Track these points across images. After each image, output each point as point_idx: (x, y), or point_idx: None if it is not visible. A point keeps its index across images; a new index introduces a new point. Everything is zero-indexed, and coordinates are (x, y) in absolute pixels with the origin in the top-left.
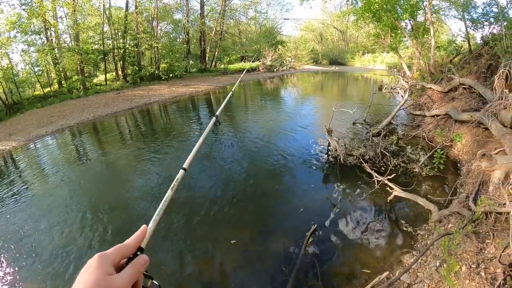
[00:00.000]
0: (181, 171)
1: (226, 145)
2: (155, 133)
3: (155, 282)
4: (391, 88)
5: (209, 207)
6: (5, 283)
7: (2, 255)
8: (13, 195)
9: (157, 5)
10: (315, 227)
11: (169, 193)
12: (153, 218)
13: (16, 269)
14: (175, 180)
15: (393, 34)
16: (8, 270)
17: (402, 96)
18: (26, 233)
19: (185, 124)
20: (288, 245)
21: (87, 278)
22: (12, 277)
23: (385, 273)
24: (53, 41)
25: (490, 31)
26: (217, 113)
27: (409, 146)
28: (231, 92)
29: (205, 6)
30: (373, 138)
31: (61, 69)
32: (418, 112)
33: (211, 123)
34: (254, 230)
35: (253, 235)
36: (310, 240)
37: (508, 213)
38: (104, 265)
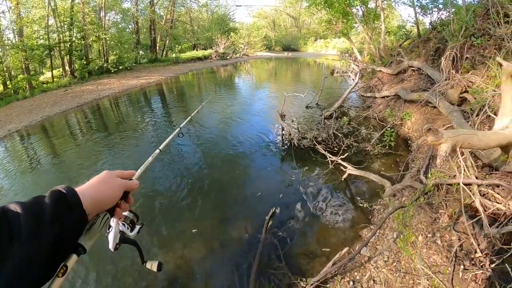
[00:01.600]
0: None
1: (180, 137)
2: (107, 130)
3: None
4: (343, 72)
5: (168, 200)
6: None
7: None
8: None
9: None
10: (273, 210)
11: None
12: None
13: None
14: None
15: (344, 20)
16: None
17: (353, 79)
18: None
19: (138, 118)
20: (249, 230)
21: (98, 176)
22: None
23: (345, 249)
24: None
25: (438, 16)
26: (181, 125)
27: (361, 127)
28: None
29: None
30: (325, 120)
31: (5, 68)
32: (368, 94)
33: (174, 132)
34: (215, 218)
35: (214, 224)
36: (270, 224)
37: (458, 184)
38: (111, 173)
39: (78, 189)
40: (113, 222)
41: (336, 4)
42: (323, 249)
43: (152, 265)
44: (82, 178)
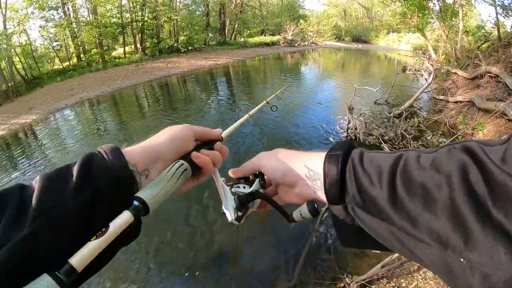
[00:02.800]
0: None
1: (274, 110)
2: (173, 106)
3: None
4: (415, 70)
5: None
6: None
7: None
8: (33, 167)
9: None
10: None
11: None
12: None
13: None
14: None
15: (420, 14)
16: None
17: (426, 79)
18: None
19: (203, 97)
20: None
21: (175, 126)
22: None
23: (397, 254)
24: (71, 16)
25: None
26: (269, 99)
27: (429, 130)
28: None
29: None
30: (394, 119)
31: (79, 43)
32: (441, 97)
33: (264, 102)
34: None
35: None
36: (325, 215)
37: None
38: (189, 126)
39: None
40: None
41: None
42: (374, 251)
43: (302, 213)
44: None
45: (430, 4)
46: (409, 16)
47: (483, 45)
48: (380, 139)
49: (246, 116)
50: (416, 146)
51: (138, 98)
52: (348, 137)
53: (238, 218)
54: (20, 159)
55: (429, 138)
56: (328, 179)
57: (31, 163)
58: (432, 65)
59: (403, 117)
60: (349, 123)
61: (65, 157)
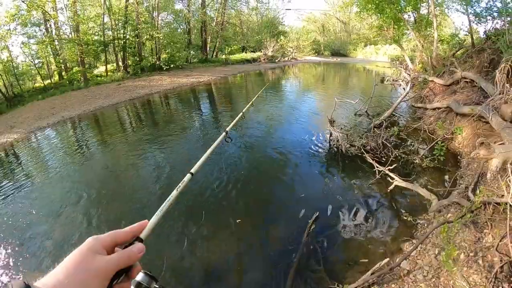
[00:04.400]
0: (188, 175)
1: (228, 142)
2: (156, 125)
3: (156, 286)
4: (393, 80)
5: (212, 194)
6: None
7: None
8: (14, 186)
9: None
10: (317, 214)
11: (174, 193)
12: (156, 213)
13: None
14: (181, 182)
15: (396, 26)
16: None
17: (404, 88)
18: (25, 222)
19: (186, 116)
20: (290, 231)
21: (74, 254)
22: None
23: (385, 260)
24: (53, 33)
25: (493, 25)
26: (227, 129)
27: (410, 138)
28: (241, 113)
29: None
30: (375, 129)
31: (61, 60)
32: (419, 105)
33: (220, 137)
34: (257, 216)
35: (256, 221)
36: (312, 227)
37: (506, 203)
38: (93, 246)
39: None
40: None
41: (388, 10)
42: (362, 259)
43: None
44: (126, 168)
45: (405, 16)
46: (386, 29)
47: (458, 52)
48: (362, 150)
49: (188, 176)
50: (397, 154)
51: (120, 117)
52: (331, 149)
53: None
54: None
55: (411, 145)
56: None
57: (10, 183)
58: (409, 75)
59: (383, 126)
60: (331, 135)
61: (46, 176)
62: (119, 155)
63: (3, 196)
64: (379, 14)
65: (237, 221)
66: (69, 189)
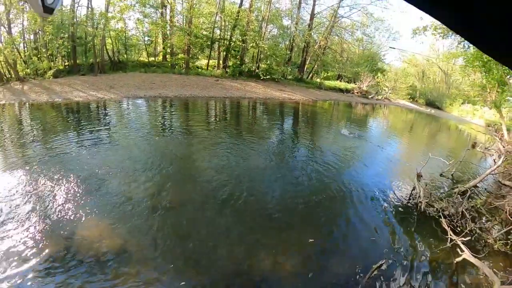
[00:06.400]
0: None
1: (299, 160)
2: (238, 126)
3: None
4: (485, 148)
5: (280, 218)
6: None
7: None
8: (96, 140)
9: (270, 8)
10: (382, 262)
11: None
12: None
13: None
14: None
15: (499, 90)
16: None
17: (494, 160)
18: (100, 173)
19: (267, 127)
20: (352, 268)
21: None
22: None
23: None
24: (168, 18)
25: None
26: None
27: (488, 215)
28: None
29: (314, 19)
30: (458, 196)
31: (169, 44)
32: (507, 183)
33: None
34: (328, 241)
35: (327, 246)
36: (374, 273)
37: None
38: None
39: None
40: None
41: (495, 71)
42: None
43: None
44: (197, 157)
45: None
46: (488, 90)
47: None
48: (440, 213)
49: None
50: (473, 228)
51: (209, 109)
52: (409, 202)
53: (48, 10)
54: (85, 126)
55: (485, 222)
56: None
57: (92, 133)
58: (504, 147)
59: (467, 195)
60: (413, 189)
61: (126, 140)
62: (197, 141)
63: (81, 141)
64: (484, 73)
65: (309, 240)
66: (142, 157)
